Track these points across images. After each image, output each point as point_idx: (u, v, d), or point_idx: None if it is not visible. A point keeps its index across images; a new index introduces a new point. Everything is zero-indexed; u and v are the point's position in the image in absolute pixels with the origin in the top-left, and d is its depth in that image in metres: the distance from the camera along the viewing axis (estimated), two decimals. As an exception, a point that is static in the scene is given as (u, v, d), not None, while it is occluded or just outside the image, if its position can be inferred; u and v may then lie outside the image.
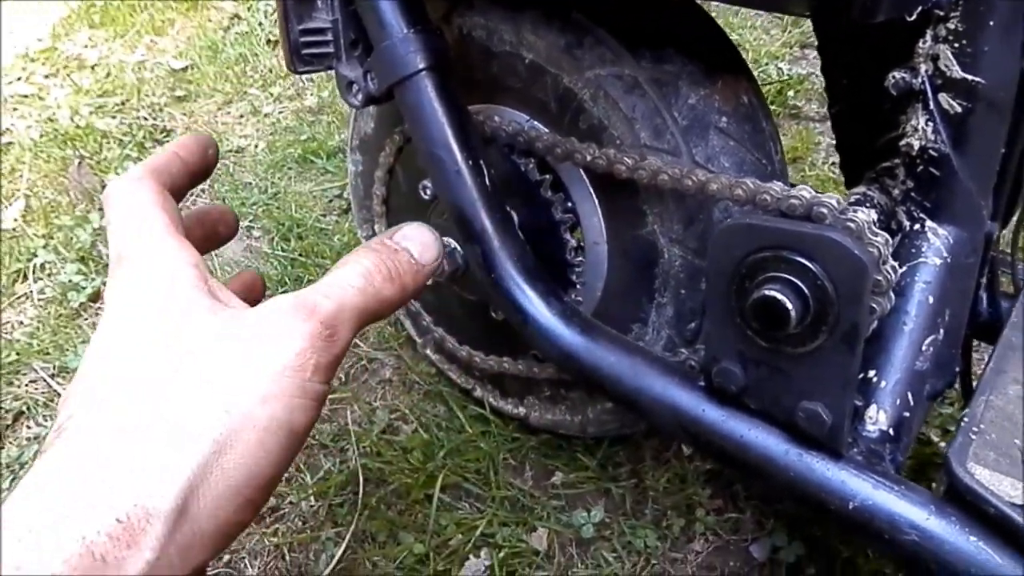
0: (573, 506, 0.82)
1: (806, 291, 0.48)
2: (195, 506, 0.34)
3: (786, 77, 1.59)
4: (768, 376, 0.52)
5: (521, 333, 0.65)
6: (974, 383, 0.69)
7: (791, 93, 1.55)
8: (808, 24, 1.79)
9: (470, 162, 0.63)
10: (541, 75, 0.67)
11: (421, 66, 0.62)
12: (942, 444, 0.83)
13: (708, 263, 0.53)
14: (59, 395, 0.98)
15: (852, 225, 0.49)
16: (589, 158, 0.63)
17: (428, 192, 0.75)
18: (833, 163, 1.33)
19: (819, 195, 0.51)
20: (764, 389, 0.53)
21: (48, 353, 1.02)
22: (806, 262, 0.48)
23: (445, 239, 0.73)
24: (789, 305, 0.48)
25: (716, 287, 0.52)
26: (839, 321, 0.48)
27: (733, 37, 1.76)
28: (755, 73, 1.63)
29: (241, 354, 0.37)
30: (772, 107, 1.51)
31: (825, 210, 0.51)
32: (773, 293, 0.48)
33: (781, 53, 1.70)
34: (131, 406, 0.35)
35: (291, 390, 0.38)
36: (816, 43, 0.71)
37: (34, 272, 1.16)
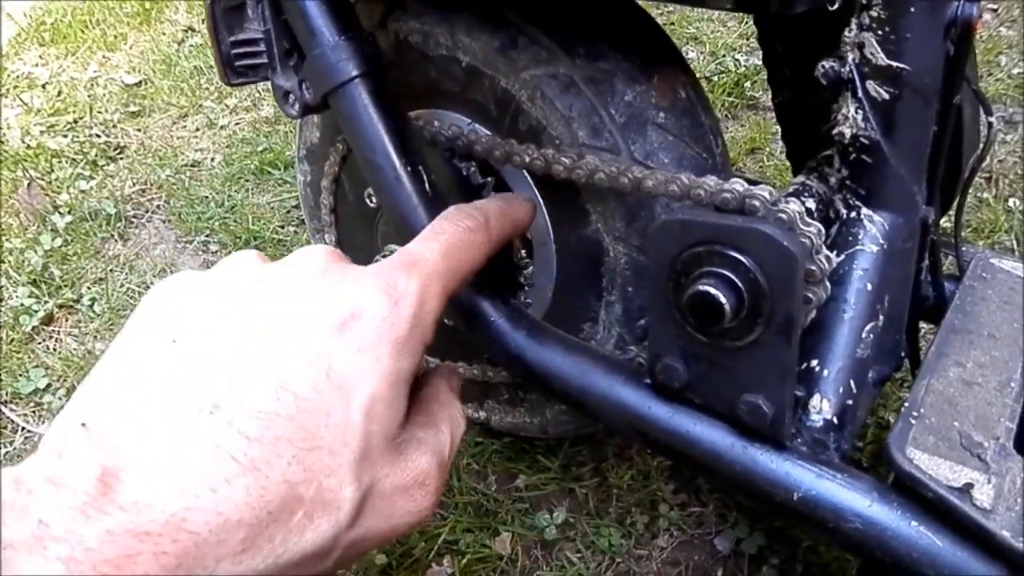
0: (537, 508, 0.81)
1: (739, 284, 0.48)
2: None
3: (743, 68, 1.60)
4: (709, 371, 0.52)
5: (470, 337, 0.64)
6: (924, 366, 0.69)
7: (748, 84, 1.55)
8: (763, 15, 1.80)
9: (409, 168, 0.63)
10: (478, 77, 0.66)
11: (354, 73, 0.61)
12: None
13: (647, 260, 0.53)
14: (12, 422, 0.96)
15: (783, 216, 0.49)
16: (528, 159, 0.62)
17: (372, 200, 0.74)
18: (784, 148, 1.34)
19: (751, 187, 0.51)
20: (706, 384, 0.53)
21: (1, 380, 1.00)
22: (738, 255, 0.48)
23: (392, 246, 0.73)
24: (723, 299, 0.47)
25: (655, 284, 0.52)
26: (774, 313, 0.48)
27: (691, 30, 1.77)
28: (713, 65, 1.64)
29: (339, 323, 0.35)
30: (730, 98, 1.52)
31: (757, 202, 0.51)
32: (707, 288, 0.48)
33: (738, 45, 1.71)
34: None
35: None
36: (757, 36, 0.71)
37: (-15, 297, 1.14)
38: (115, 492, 0.27)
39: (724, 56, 1.63)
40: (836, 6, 0.51)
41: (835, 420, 0.54)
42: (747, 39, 1.73)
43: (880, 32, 0.51)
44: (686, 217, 0.50)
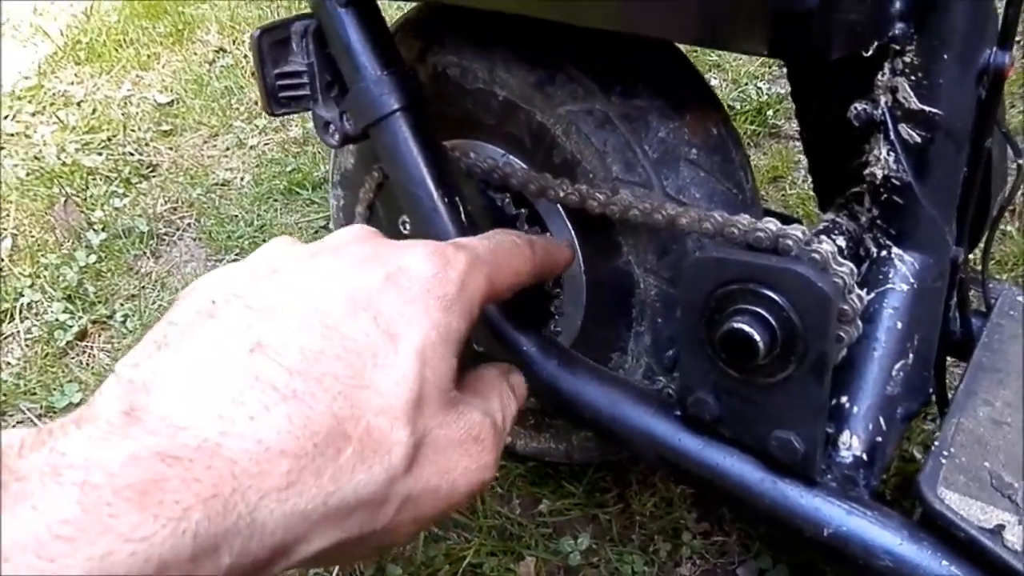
0: (560, 533, 0.82)
1: (773, 323, 0.49)
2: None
3: (765, 97, 1.61)
4: (741, 406, 0.53)
5: (501, 366, 0.65)
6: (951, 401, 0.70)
7: (771, 112, 1.57)
8: None
9: (446, 199, 0.64)
10: (514, 111, 0.68)
11: (395, 107, 0.63)
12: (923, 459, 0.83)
13: (680, 296, 0.54)
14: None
15: (816, 256, 0.50)
16: (562, 194, 0.64)
17: (407, 227, 0.76)
18: (811, 182, 1.35)
19: (784, 227, 0.52)
20: (737, 418, 0.54)
21: (35, 393, 1.03)
22: (772, 294, 0.49)
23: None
24: (757, 337, 0.48)
25: (688, 319, 0.53)
26: (807, 352, 0.48)
27: (712, 58, 1.79)
28: (735, 93, 1.66)
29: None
30: (752, 126, 1.53)
31: (791, 242, 0.52)
32: (741, 325, 0.49)
33: (760, 73, 1.72)
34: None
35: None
36: (787, 76, 0.72)
37: (20, 312, 1.16)
38: (142, 419, 0.25)
39: (746, 84, 1.65)
40: (871, 52, 0.52)
41: (865, 457, 0.55)
42: (769, 67, 1.74)
43: (913, 77, 0.52)
44: (721, 255, 0.51)
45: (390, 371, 0.31)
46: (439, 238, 0.64)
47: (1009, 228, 1.21)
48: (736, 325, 0.49)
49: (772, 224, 0.53)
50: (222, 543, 0.25)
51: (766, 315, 0.49)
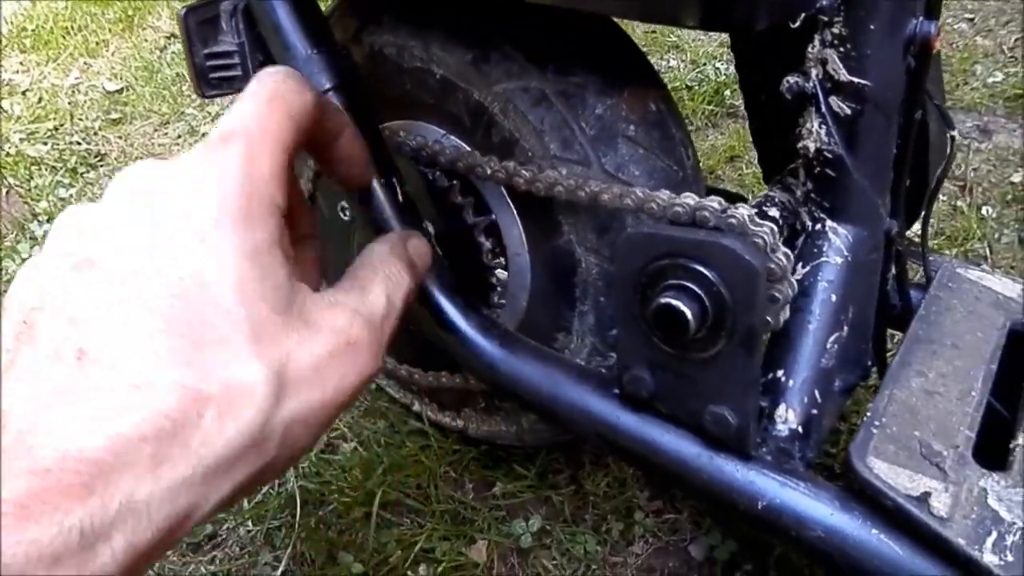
0: (513, 516, 0.82)
1: (704, 297, 0.49)
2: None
3: (723, 77, 1.61)
4: (675, 381, 0.53)
5: (443, 347, 0.65)
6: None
7: (728, 92, 1.57)
8: None
9: (382, 180, 0.63)
10: (452, 90, 0.67)
11: (327, 86, 0.62)
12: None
13: (614, 272, 0.54)
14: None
15: (733, 221, 0.49)
16: (489, 171, 0.63)
17: (347, 213, 0.74)
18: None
19: (702, 200, 0.52)
20: (673, 394, 0.53)
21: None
22: (702, 269, 0.48)
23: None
24: (687, 312, 0.48)
25: (622, 295, 0.53)
26: (736, 326, 0.48)
27: (672, 38, 1.79)
28: (693, 73, 1.66)
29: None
30: (710, 107, 1.53)
31: (707, 213, 0.51)
32: (672, 300, 0.49)
33: (719, 53, 1.72)
34: None
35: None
36: (731, 51, 0.72)
37: (-38, 306, 1.13)
38: (4, 447, 0.27)
39: (705, 65, 1.65)
40: (798, 23, 0.52)
41: (800, 430, 0.55)
42: (727, 47, 1.75)
43: (842, 48, 0.52)
44: (651, 230, 0.51)
45: (220, 320, 0.31)
46: (376, 220, 0.63)
47: (959, 203, 1.23)
48: (667, 300, 0.49)
49: (691, 199, 0.52)
50: (111, 530, 0.27)
51: (696, 289, 0.49)
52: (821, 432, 0.57)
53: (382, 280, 0.41)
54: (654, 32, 1.80)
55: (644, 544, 0.79)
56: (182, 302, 0.31)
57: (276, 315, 0.33)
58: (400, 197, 0.64)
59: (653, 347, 0.53)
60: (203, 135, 1.52)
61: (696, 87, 1.58)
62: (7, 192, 1.31)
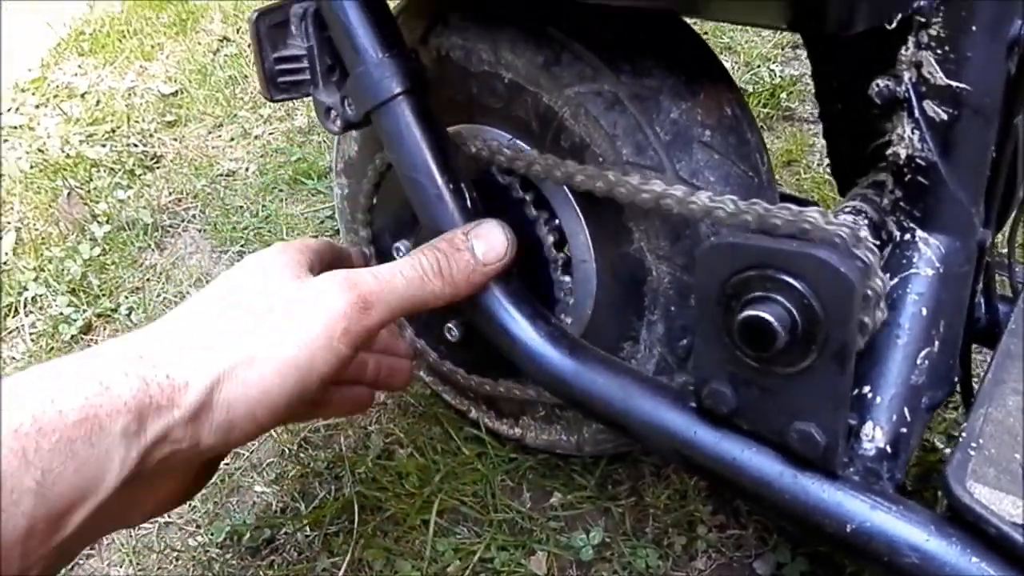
0: (572, 527, 0.80)
1: (793, 310, 0.47)
2: (216, 396, 0.45)
3: (779, 79, 1.58)
4: (759, 397, 0.51)
5: (508, 357, 0.64)
6: (976, 389, 0.67)
7: (784, 95, 1.53)
8: (798, 24, 1.78)
9: (451, 185, 0.62)
10: (521, 94, 0.66)
11: (397, 91, 0.61)
12: (947, 450, 0.81)
13: (695, 283, 0.52)
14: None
15: (838, 240, 0.48)
16: (561, 175, 0.62)
17: (401, 255, 0.74)
18: (828, 164, 1.31)
19: (803, 210, 0.50)
20: (755, 410, 0.52)
21: (40, 388, 1.02)
22: (792, 281, 0.46)
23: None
24: (776, 325, 0.46)
25: (703, 308, 0.51)
26: (828, 340, 0.46)
27: (724, 39, 1.75)
28: (747, 76, 1.62)
29: (290, 306, 0.49)
30: (765, 109, 1.50)
31: (809, 226, 0.49)
32: (759, 313, 0.47)
33: (773, 55, 1.69)
34: (207, 317, 0.49)
35: (318, 342, 0.48)
36: (806, 52, 0.70)
37: (25, 306, 1.15)
38: None
39: (759, 66, 1.61)
40: (894, 25, 0.49)
41: (888, 449, 0.53)
42: (782, 49, 1.71)
43: (939, 51, 0.50)
44: (737, 240, 0.49)
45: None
46: (444, 226, 0.62)
47: (1031, 210, 1.18)
48: (754, 313, 0.47)
49: (788, 209, 0.51)
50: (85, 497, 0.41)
51: (785, 302, 0.47)
52: (909, 452, 0.54)
53: (407, 260, 0.55)
54: (705, 32, 1.77)
55: (707, 560, 0.77)
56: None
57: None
58: (469, 203, 0.63)
59: (736, 361, 0.51)
60: (256, 138, 1.53)
61: (750, 89, 1.54)
62: (68, 194, 1.34)
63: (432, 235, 0.63)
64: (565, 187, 0.67)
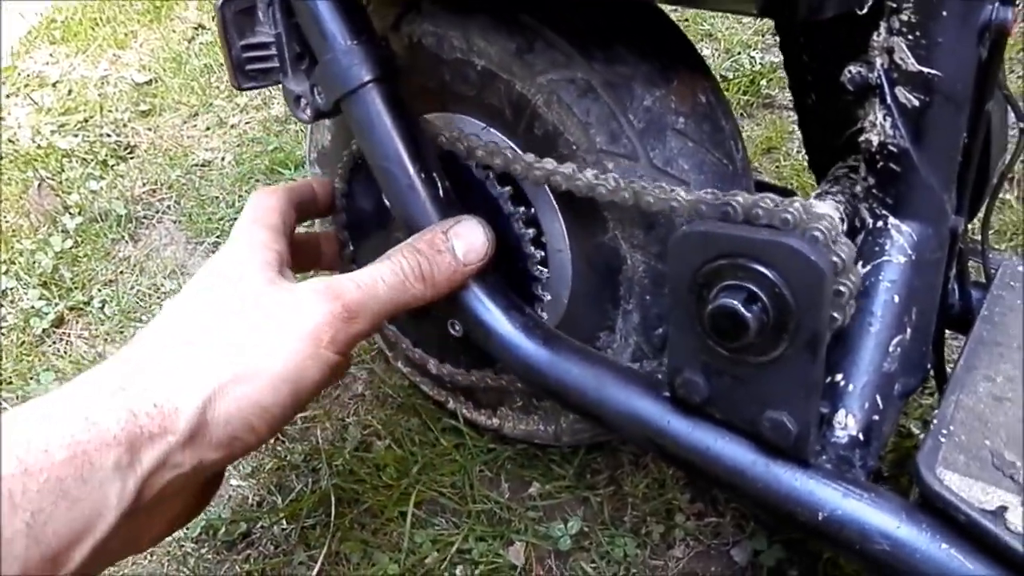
0: (551, 517, 0.80)
1: (764, 299, 0.46)
2: (211, 415, 0.45)
3: (759, 66, 1.57)
4: (731, 386, 0.51)
5: (484, 348, 0.63)
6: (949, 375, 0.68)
7: (764, 82, 1.53)
8: (778, 11, 1.77)
9: (423, 175, 0.62)
10: (494, 81, 0.65)
11: (366, 78, 0.60)
12: (922, 436, 0.81)
13: (668, 272, 0.52)
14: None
15: (818, 235, 0.47)
16: (522, 167, 0.61)
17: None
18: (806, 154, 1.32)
19: (784, 201, 0.49)
20: (728, 399, 0.51)
21: (11, 383, 1.00)
22: (763, 269, 0.46)
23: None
24: (747, 314, 0.46)
25: (676, 296, 0.51)
26: (800, 329, 0.46)
27: (705, 27, 1.75)
28: (728, 63, 1.62)
29: (274, 317, 0.48)
30: (745, 97, 1.49)
31: (788, 216, 0.49)
32: (731, 302, 0.47)
33: (754, 42, 1.68)
34: (187, 335, 0.48)
35: (305, 352, 0.47)
36: (778, 39, 0.69)
37: (-5, 299, 1.13)
38: None
39: (739, 54, 1.61)
40: (865, 10, 0.49)
41: (861, 436, 0.53)
42: (762, 35, 1.70)
43: (911, 37, 0.50)
44: (709, 228, 0.48)
45: None
46: (416, 217, 0.62)
47: (1008, 197, 1.19)
48: (726, 301, 0.47)
49: (742, 195, 0.50)
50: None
51: (756, 291, 0.47)
52: (882, 439, 0.55)
53: (387, 264, 0.54)
54: (686, 19, 1.76)
55: (685, 548, 0.77)
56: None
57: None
58: (441, 192, 0.62)
59: (708, 350, 0.51)
60: (232, 127, 1.51)
61: (730, 76, 1.54)
62: (39, 184, 1.31)
63: (404, 224, 0.63)
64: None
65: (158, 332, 0.49)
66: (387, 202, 0.64)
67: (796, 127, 1.41)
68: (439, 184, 0.62)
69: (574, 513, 0.80)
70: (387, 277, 0.53)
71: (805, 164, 1.32)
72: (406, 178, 0.61)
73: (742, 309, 0.46)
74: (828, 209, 0.53)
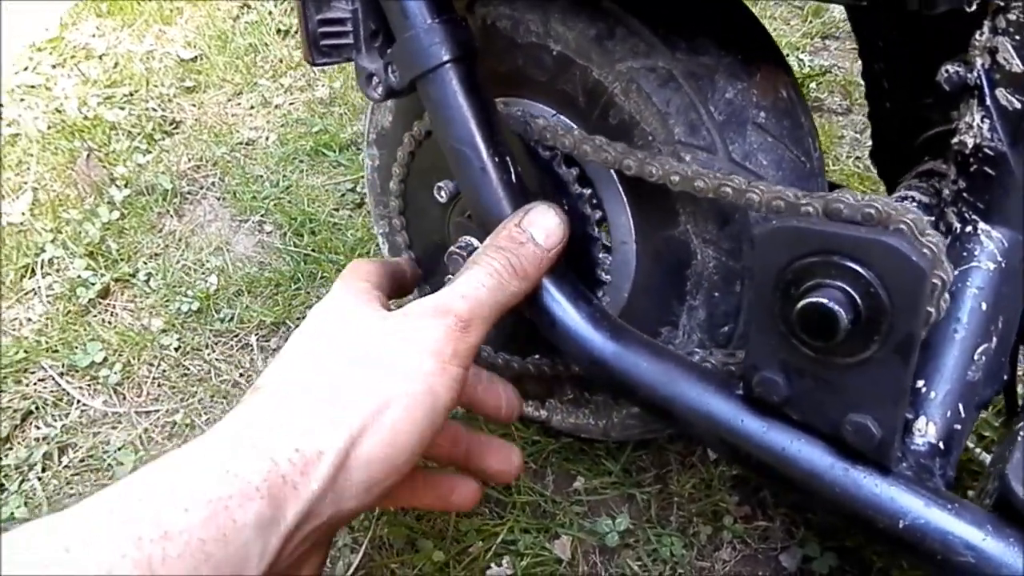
0: (596, 512, 0.79)
1: (857, 299, 0.45)
2: (353, 456, 0.43)
3: (808, 68, 1.55)
4: (813, 387, 0.50)
5: (549, 337, 0.62)
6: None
7: (813, 85, 1.51)
8: (830, 14, 1.75)
9: (496, 159, 0.61)
10: (569, 67, 0.64)
11: (446, 58, 0.59)
12: (977, 450, 0.80)
13: (752, 267, 0.51)
14: (67, 394, 0.96)
15: (903, 227, 0.46)
16: (612, 156, 0.60)
17: (444, 194, 0.72)
18: (857, 157, 1.30)
19: (867, 196, 0.48)
20: (809, 400, 0.50)
21: (56, 351, 1.00)
22: (858, 268, 0.45)
23: (467, 238, 0.71)
24: (840, 313, 0.45)
25: (760, 293, 0.50)
26: (893, 330, 0.45)
27: (752, 27, 1.73)
28: (775, 64, 1.60)
29: (396, 345, 0.47)
30: (793, 99, 1.47)
31: (873, 211, 0.48)
32: (822, 300, 0.45)
33: (802, 44, 1.66)
34: (315, 376, 0.46)
35: (433, 371, 0.47)
36: (854, 36, 0.68)
37: (42, 267, 1.14)
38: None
39: (788, 55, 1.59)
40: (973, 7, 0.48)
41: (941, 445, 0.51)
42: (811, 38, 1.68)
43: (1017, 37, 0.48)
44: (801, 224, 0.47)
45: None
46: (487, 200, 0.61)
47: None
48: (816, 300, 0.46)
49: (849, 195, 0.49)
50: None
51: (850, 290, 0.45)
52: (960, 449, 0.53)
53: (485, 269, 0.53)
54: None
55: (732, 550, 0.76)
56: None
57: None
58: (514, 177, 0.62)
59: (790, 349, 0.49)
60: (276, 107, 1.51)
61: (779, 78, 1.52)
62: (87, 155, 1.32)
63: (473, 208, 0.62)
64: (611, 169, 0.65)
65: (283, 376, 0.47)
66: (459, 185, 0.63)
67: (845, 131, 1.40)
68: (511, 169, 0.61)
69: (619, 510, 0.79)
70: (486, 281, 0.52)
71: (855, 170, 1.31)
72: (479, 161, 0.60)
73: (835, 308, 0.45)
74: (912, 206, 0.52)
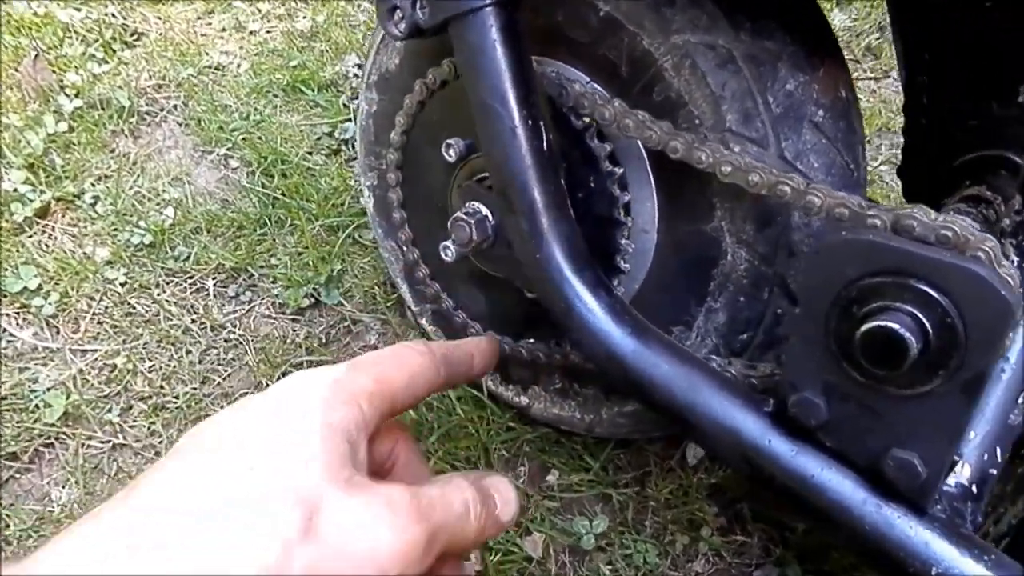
0: (569, 510, 0.75)
1: (929, 327, 0.41)
2: None
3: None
4: (857, 414, 0.46)
5: (561, 324, 0.57)
6: None
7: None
8: (845, 23, 1.72)
9: (529, 121, 0.54)
10: (617, 31, 0.58)
11: (488, 0, 0.52)
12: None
13: (804, 278, 0.47)
14: (-6, 320, 0.86)
15: (981, 255, 0.43)
16: (657, 136, 0.54)
17: (452, 153, 0.65)
18: (872, 168, 1.28)
19: (940, 217, 0.44)
20: (850, 428, 0.46)
21: (-16, 271, 0.90)
22: (935, 294, 0.41)
23: (476, 204, 0.65)
24: (909, 341, 0.41)
25: (811, 307, 0.45)
26: (963, 366, 0.41)
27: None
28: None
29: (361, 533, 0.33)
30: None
31: (950, 233, 0.44)
32: (892, 325, 0.41)
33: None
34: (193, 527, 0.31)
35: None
36: (896, 48, 0.64)
37: (-27, 174, 1.02)
38: None
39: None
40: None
41: (974, 488, 0.48)
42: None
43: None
44: (877, 239, 0.43)
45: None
46: (513, 163, 0.55)
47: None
48: (885, 324, 0.42)
49: (922, 212, 0.45)
50: None
51: (922, 317, 0.41)
52: (990, 494, 0.50)
53: (463, 494, 0.38)
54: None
55: (707, 563, 0.73)
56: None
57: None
58: (545, 144, 0.55)
59: (838, 372, 0.45)
60: (251, 33, 1.39)
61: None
62: (35, 56, 1.18)
63: (495, 170, 0.56)
64: (642, 149, 0.60)
65: (171, 509, 0.31)
66: (482, 143, 0.56)
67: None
68: (544, 135, 0.55)
69: (594, 510, 0.75)
70: (459, 508, 0.39)
71: (871, 179, 1.29)
72: (510, 121, 0.54)
73: (906, 335, 0.41)
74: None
